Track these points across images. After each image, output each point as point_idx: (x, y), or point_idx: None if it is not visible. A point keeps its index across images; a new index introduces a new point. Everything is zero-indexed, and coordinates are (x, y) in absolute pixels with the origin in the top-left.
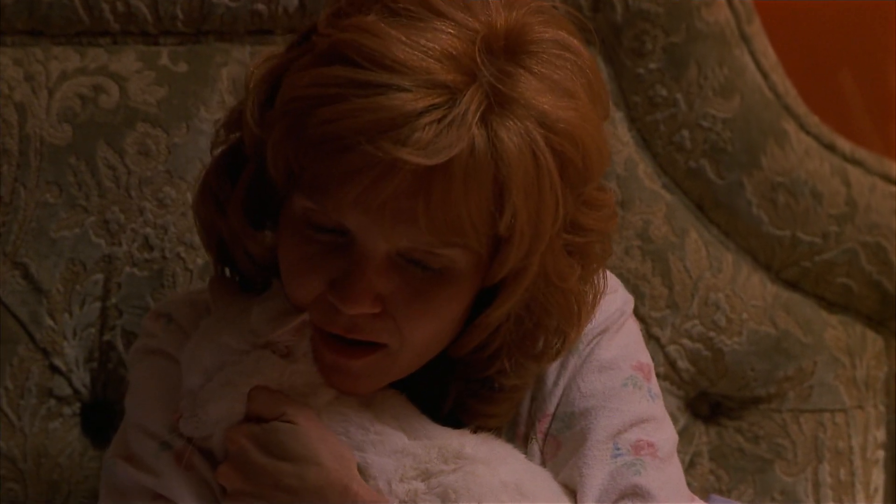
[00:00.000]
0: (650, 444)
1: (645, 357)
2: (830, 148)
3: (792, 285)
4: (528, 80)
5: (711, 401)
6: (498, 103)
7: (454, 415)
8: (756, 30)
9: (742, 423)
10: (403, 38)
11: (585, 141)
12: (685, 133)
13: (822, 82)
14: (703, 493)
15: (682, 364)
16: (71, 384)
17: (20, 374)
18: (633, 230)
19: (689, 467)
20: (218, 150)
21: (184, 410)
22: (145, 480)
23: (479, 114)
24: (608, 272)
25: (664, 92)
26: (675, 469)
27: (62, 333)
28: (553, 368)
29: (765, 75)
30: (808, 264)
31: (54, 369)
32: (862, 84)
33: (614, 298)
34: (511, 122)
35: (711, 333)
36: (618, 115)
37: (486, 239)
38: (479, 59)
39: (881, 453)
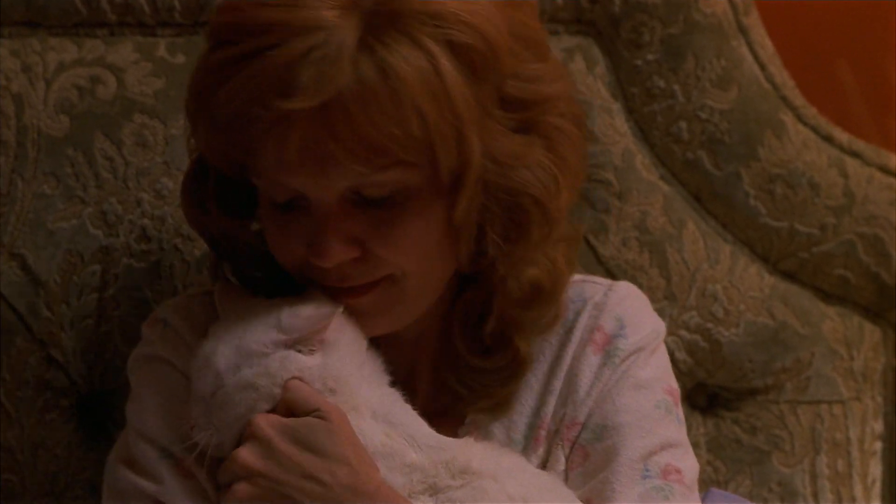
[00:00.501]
0: (678, 471)
1: (674, 382)
2: (828, 139)
3: (789, 276)
4: None
5: (709, 392)
6: (381, 23)
7: (505, 334)
8: (753, 21)
9: (739, 415)
10: (267, 1)
11: (485, 27)
12: (683, 124)
13: (819, 73)
14: (701, 484)
15: (680, 355)
16: (68, 375)
17: (17, 365)
18: (630, 221)
19: None
20: (190, 162)
21: (197, 419)
22: (146, 487)
23: (357, 40)
24: (638, 290)
25: (662, 83)
26: (696, 499)
27: (59, 325)
28: (587, 376)
29: (762, 67)
30: (805, 255)
31: (51, 361)
32: (860, 75)
33: (646, 315)
34: (395, 37)
35: (709, 325)
36: (615, 106)
37: (414, 149)
38: None
39: (879, 445)
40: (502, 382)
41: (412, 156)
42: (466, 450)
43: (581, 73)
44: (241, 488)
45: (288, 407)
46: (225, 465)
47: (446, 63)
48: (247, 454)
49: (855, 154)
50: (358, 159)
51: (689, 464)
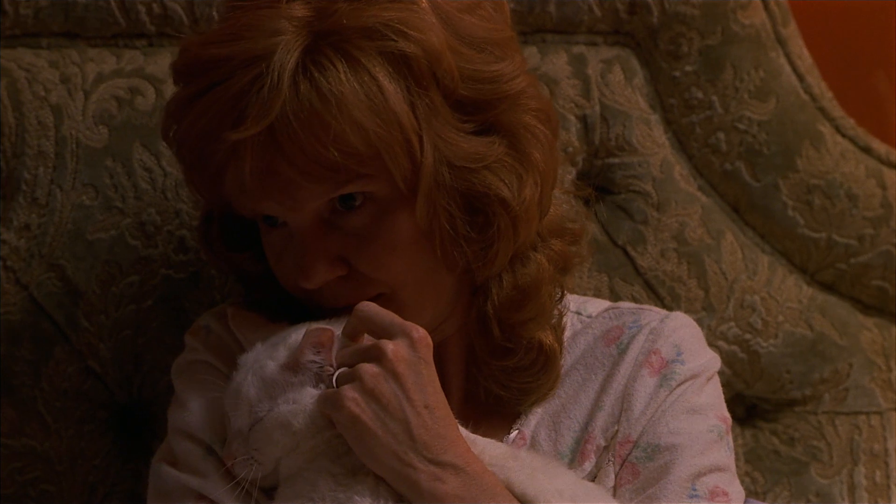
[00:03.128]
0: (725, 494)
1: (727, 412)
2: (866, 150)
3: (827, 287)
4: (341, 6)
5: (747, 403)
6: (318, 45)
7: (515, 333)
8: (792, 32)
9: (778, 426)
10: (213, 39)
11: (422, 35)
12: (721, 135)
13: (857, 84)
14: None
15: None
16: (106, 386)
17: (56, 375)
18: (668, 232)
19: None
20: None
21: (236, 453)
22: (190, 482)
23: (295, 64)
24: (693, 322)
25: (700, 94)
26: None
27: (98, 335)
28: (642, 396)
29: (800, 78)
30: (843, 266)
31: (90, 371)
32: None
33: (702, 346)
34: (331, 56)
35: (747, 336)
36: (654, 117)
37: (365, 163)
38: (284, 13)
39: None
40: (534, 376)
41: (367, 168)
42: (512, 454)
43: (619, 85)
44: (373, 373)
45: (365, 329)
46: (346, 373)
47: (382, 75)
48: (395, 348)
49: (893, 165)
50: (315, 179)
51: (736, 489)
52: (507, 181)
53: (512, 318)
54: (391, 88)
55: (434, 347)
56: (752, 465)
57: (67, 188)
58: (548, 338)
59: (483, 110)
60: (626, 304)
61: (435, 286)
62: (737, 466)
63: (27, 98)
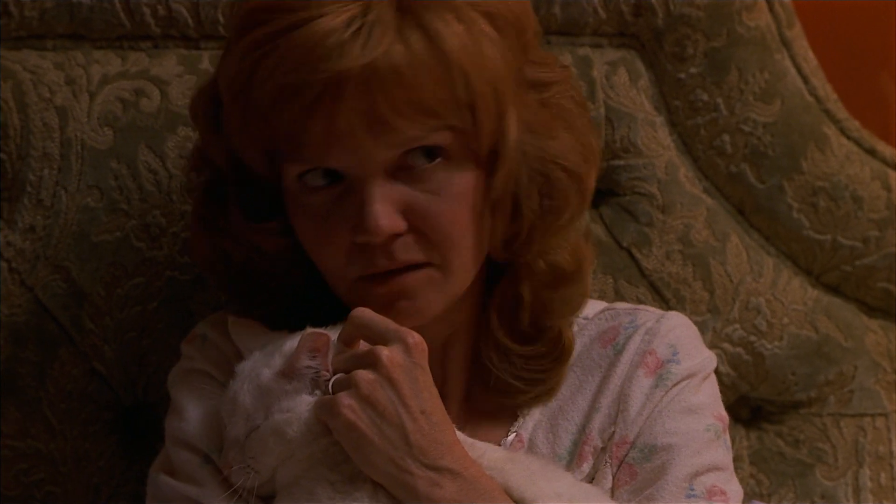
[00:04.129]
0: (723, 492)
1: (724, 411)
2: (871, 152)
3: (832, 290)
4: None
5: (752, 405)
6: (397, 10)
7: (541, 319)
8: (797, 34)
9: (783, 428)
10: None
11: (518, 5)
12: (726, 137)
13: (862, 86)
14: (744, 497)
15: (723, 368)
16: (111, 388)
17: (61, 377)
18: (674, 234)
19: None
20: (198, 192)
21: (233, 462)
22: (188, 491)
23: (396, 9)
24: (689, 321)
25: (705, 96)
26: None
27: (103, 337)
28: (638, 397)
29: (805, 79)
30: (848, 269)
31: (95, 373)
32: None
33: (698, 345)
34: (434, 4)
35: (752, 338)
36: (658, 119)
37: (459, 113)
38: None
39: None
40: (549, 366)
41: (457, 119)
42: (510, 458)
43: (625, 87)
44: (369, 380)
45: (360, 335)
46: (342, 379)
47: (487, 30)
48: (391, 354)
49: None
50: (409, 122)
51: (734, 488)
52: (574, 154)
53: (549, 299)
54: (491, 44)
55: (439, 345)
56: (757, 466)
57: (72, 190)
58: (569, 330)
59: (542, 90)
60: (621, 305)
61: (475, 260)
62: (741, 468)
63: (32, 100)
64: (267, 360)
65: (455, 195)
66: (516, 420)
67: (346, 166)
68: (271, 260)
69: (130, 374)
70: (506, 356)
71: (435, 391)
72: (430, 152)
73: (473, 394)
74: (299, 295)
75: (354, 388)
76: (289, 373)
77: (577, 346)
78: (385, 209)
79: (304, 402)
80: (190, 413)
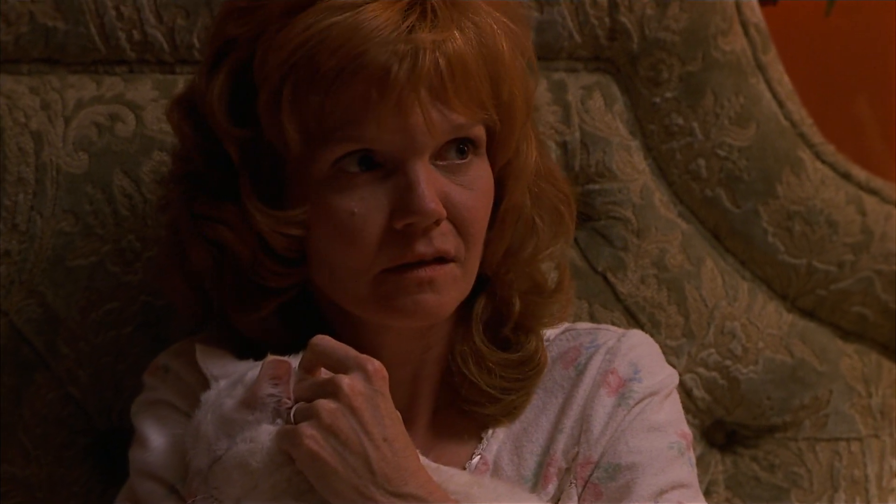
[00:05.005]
0: None
1: (687, 428)
2: (846, 177)
3: (808, 314)
4: None
5: (727, 429)
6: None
7: (524, 326)
8: (772, 58)
9: (758, 452)
10: None
11: (525, 25)
12: (701, 162)
13: (837, 111)
14: None
15: (698, 393)
16: (86, 413)
17: (36, 402)
18: (649, 259)
19: (705, 496)
20: (188, 192)
21: (196, 492)
22: None
23: (445, 6)
24: (650, 339)
25: (680, 121)
26: None
27: (78, 362)
28: (601, 417)
29: (780, 104)
30: (823, 293)
31: (70, 398)
32: (877, 112)
33: (659, 362)
34: (471, 13)
35: (727, 362)
36: (634, 144)
37: (496, 110)
38: None
39: None
40: (522, 377)
41: (492, 118)
42: (476, 482)
43: (600, 111)
44: (331, 409)
45: (320, 363)
46: (303, 408)
47: (516, 44)
48: (351, 383)
49: (873, 191)
50: (464, 107)
51: None
52: (559, 174)
53: (534, 309)
54: (521, 60)
55: (416, 359)
56: (733, 491)
57: (47, 215)
58: (543, 345)
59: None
60: (582, 325)
61: (477, 268)
62: (717, 493)
63: (7, 124)
64: (230, 390)
65: (484, 192)
66: (480, 442)
67: (397, 148)
68: (275, 258)
69: (105, 399)
70: (483, 364)
71: (396, 416)
72: (462, 148)
73: (440, 414)
74: (284, 310)
75: (316, 417)
76: (251, 402)
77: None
78: (433, 193)
79: (266, 432)
80: (154, 443)
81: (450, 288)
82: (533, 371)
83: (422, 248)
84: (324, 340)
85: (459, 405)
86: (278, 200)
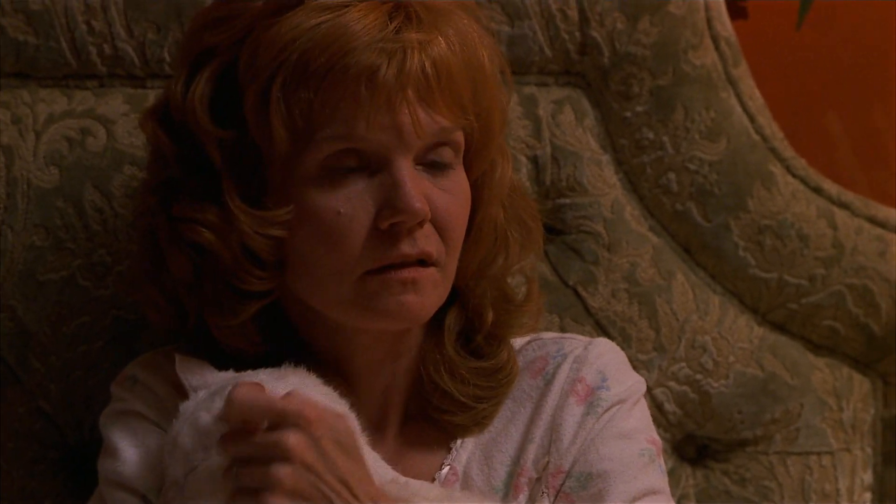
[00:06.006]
0: None
1: (656, 435)
2: (817, 191)
3: (779, 328)
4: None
5: (698, 443)
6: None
7: (493, 336)
8: (743, 72)
9: (729, 466)
10: None
11: (497, 53)
12: (672, 176)
13: (808, 125)
14: None
15: (669, 407)
16: (57, 427)
17: (7, 416)
18: (619, 273)
19: None
20: (159, 210)
21: (171, 502)
22: None
23: (427, 12)
24: (617, 347)
25: (651, 135)
26: None
27: (49, 376)
28: (570, 426)
29: (751, 118)
30: (794, 307)
31: (41, 412)
32: (848, 126)
33: (626, 370)
34: (452, 20)
35: (698, 376)
36: (605, 158)
37: (476, 117)
38: None
39: (868, 496)
40: (495, 385)
41: (471, 125)
42: (447, 495)
43: (570, 125)
44: (288, 473)
45: (246, 418)
46: (265, 442)
47: (496, 61)
48: (297, 441)
49: (844, 205)
50: (448, 110)
51: None
52: (525, 190)
53: (506, 318)
54: (498, 75)
55: (388, 371)
56: None
57: (18, 229)
58: (514, 355)
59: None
60: (548, 334)
61: (453, 277)
62: None
63: None
64: (208, 402)
65: (464, 199)
66: (449, 453)
67: (384, 147)
68: (255, 261)
69: (76, 413)
70: (456, 372)
71: (346, 450)
72: (445, 156)
73: (409, 425)
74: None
75: (278, 486)
76: (227, 415)
77: None
78: (419, 193)
79: None
80: (125, 454)
81: (431, 291)
82: (505, 379)
83: (406, 248)
84: (242, 393)
85: (429, 415)
86: (261, 202)
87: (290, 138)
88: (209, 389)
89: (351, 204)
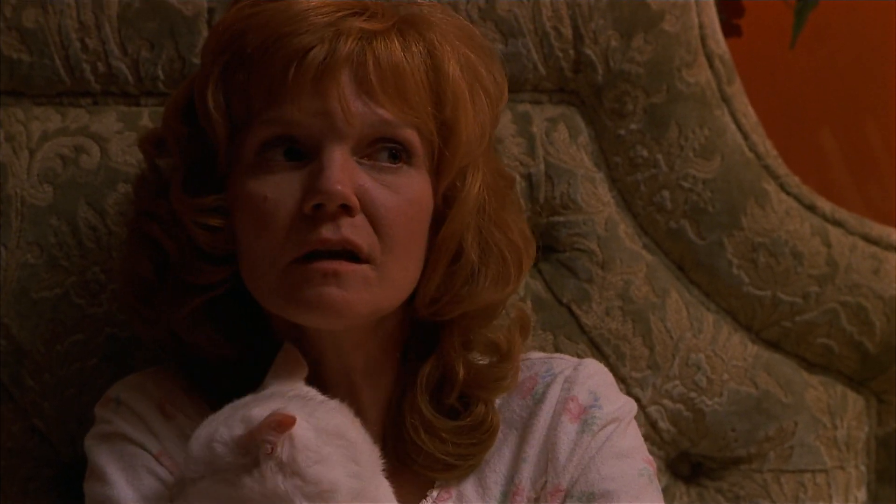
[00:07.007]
0: None
1: (649, 455)
2: (811, 208)
3: (772, 346)
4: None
5: (692, 461)
6: (407, 21)
7: (467, 395)
8: (736, 90)
9: (723, 484)
10: None
11: (492, 58)
12: (666, 194)
13: (802, 142)
14: None
15: (663, 424)
16: (51, 445)
17: (1, 434)
18: (613, 290)
19: None
20: (140, 188)
21: (174, 497)
22: None
23: (396, 16)
24: (605, 368)
25: (645, 152)
26: None
27: (42, 394)
28: (565, 444)
29: (745, 136)
30: (788, 325)
31: (34, 430)
32: (842, 144)
33: (616, 391)
34: (433, 35)
35: (692, 394)
36: (598, 176)
37: (434, 123)
38: None
39: None
40: (477, 440)
41: (430, 128)
42: None
43: (564, 143)
44: None
45: None
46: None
47: (481, 83)
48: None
49: (838, 223)
50: (390, 102)
51: None
52: (515, 228)
53: (480, 378)
54: (481, 98)
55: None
56: None
57: (12, 247)
58: (494, 409)
59: (498, 162)
60: (535, 354)
61: (408, 284)
62: None
63: None
64: (230, 419)
65: (410, 199)
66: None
67: (316, 133)
68: (200, 254)
69: (70, 430)
70: (435, 433)
71: None
72: (394, 153)
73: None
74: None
75: None
76: (247, 444)
77: (497, 400)
78: (343, 177)
79: (242, 483)
80: (112, 477)
81: (359, 288)
82: (486, 434)
83: (327, 233)
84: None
85: (411, 462)
86: (202, 192)
87: (228, 125)
88: (234, 404)
89: (279, 189)
